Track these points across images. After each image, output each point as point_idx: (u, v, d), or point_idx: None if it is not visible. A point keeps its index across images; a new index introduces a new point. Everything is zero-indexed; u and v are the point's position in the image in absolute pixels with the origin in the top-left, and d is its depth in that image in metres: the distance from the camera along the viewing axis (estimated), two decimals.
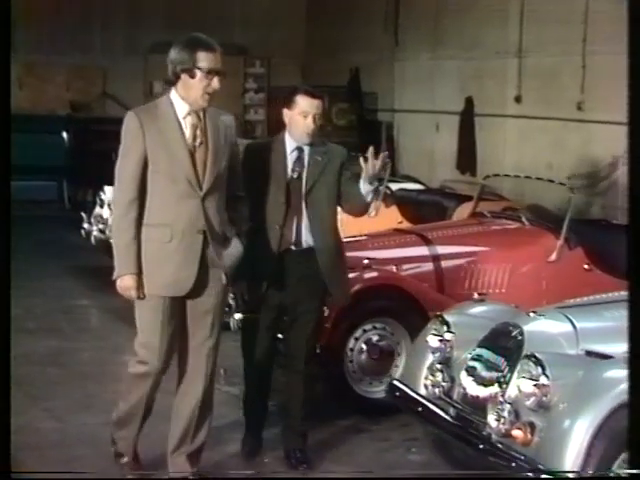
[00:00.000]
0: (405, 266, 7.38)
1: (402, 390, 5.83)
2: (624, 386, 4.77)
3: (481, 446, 5.11)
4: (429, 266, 7.51)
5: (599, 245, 8.06)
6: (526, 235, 8.11)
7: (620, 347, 5.06)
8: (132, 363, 5.46)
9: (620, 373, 4.90)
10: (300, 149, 5.84)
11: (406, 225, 9.17)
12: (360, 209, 5.87)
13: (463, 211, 9.35)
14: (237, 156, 5.55)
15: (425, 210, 9.97)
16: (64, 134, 15.32)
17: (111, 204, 9.48)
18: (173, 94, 5.17)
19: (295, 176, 5.82)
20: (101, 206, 10.88)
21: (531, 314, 5.55)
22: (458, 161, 14.34)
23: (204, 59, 5.07)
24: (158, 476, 5.46)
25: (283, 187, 5.80)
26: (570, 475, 4.08)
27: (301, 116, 5.74)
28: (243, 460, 5.98)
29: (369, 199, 5.69)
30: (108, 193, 10.74)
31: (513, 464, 4.91)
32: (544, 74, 13.14)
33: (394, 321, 6.94)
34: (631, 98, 3.65)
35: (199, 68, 5.06)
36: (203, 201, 5.15)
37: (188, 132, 5.17)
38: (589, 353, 5.29)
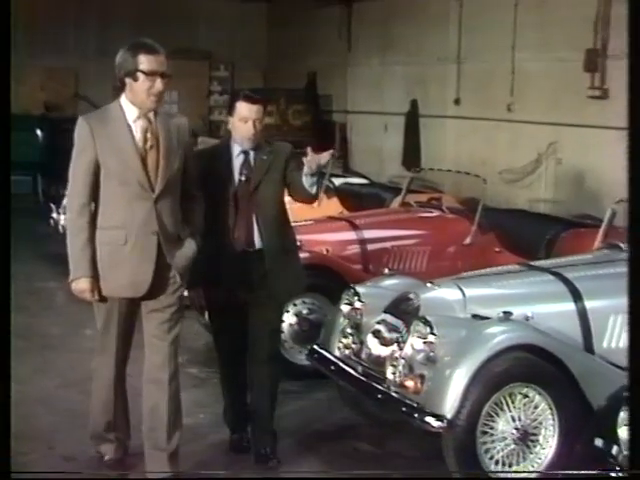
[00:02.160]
0: (334, 248, 7.79)
1: (319, 353, 6.16)
2: (497, 340, 5.37)
3: (379, 396, 5.52)
4: (356, 248, 7.96)
5: (511, 231, 8.55)
6: (445, 222, 8.61)
7: (501, 309, 5.57)
8: (98, 363, 5.44)
9: (493, 330, 5.47)
10: (246, 152, 5.67)
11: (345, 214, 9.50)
12: (307, 200, 5.75)
13: (397, 202, 9.76)
14: (191, 157, 5.39)
15: (365, 201, 10.29)
16: (38, 132, 15.49)
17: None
18: (123, 99, 5.06)
19: (243, 179, 5.67)
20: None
21: (428, 284, 6.08)
22: (404, 158, 14.64)
23: (145, 61, 4.94)
24: (154, 476, 5.15)
25: (232, 191, 5.64)
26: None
27: (242, 122, 5.57)
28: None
29: (313, 191, 5.58)
30: None
31: (404, 408, 5.34)
32: (479, 79, 13.54)
33: (322, 296, 7.26)
34: (631, 98, 3.41)
35: (141, 71, 4.94)
36: (156, 203, 5.03)
37: (138, 136, 5.03)
38: (474, 316, 5.69)
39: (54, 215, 11.31)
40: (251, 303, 5.73)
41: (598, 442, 4.44)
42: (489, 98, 13.30)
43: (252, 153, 5.67)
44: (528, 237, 8.41)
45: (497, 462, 5.37)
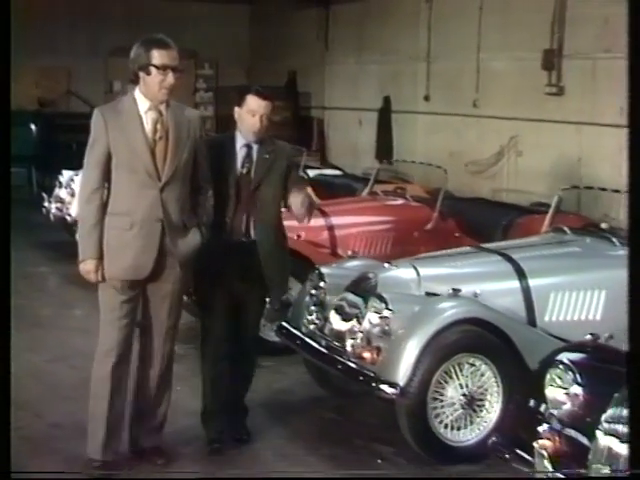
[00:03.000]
0: (304, 234, 7.87)
1: (286, 328, 6.34)
2: (446, 314, 5.60)
3: (340, 366, 5.72)
4: (325, 234, 8.15)
5: (471, 217, 8.80)
6: (408, 209, 8.84)
7: (451, 286, 5.84)
8: (100, 361, 5.23)
9: (443, 305, 5.72)
10: (249, 146, 5.59)
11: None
12: (298, 219, 5.79)
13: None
14: (201, 149, 5.33)
15: (337, 191, 10.36)
16: (33, 127, 15.51)
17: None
18: (136, 92, 5.04)
19: (245, 171, 5.59)
20: (59, 187, 11.27)
21: (386, 265, 6.29)
22: (377, 151, 14.68)
23: (158, 56, 4.92)
24: (157, 476, 5.11)
25: (234, 182, 5.57)
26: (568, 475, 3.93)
27: (249, 114, 5.50)
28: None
29: (305, 221, 5.79)
30: (66, 176, 11.22)
31: (361, 377, 5.55)
32: (447, 77, 13.62)
33: (293, 279, 7.13)
34: (631, 99, 3.30)
35: (153, 65, 4.92)
36: (161, 192, 5.00)
37: (149, 126, 5.01)
38: (428, 293, 5.92)
39: (46, 204, 11.44)
40: (243, 292, 5.68)
41: (531, 402, 4.63)
42: (456, 95, 13.39)
43: (255, 148, 5.60)
44: (486, 223, 8.61)
45: (446, 426, 5.58)
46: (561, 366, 4.44)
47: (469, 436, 5.59)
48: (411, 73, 14.37)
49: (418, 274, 6.08)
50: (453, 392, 5.58)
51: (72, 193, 10.80)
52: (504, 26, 12.40)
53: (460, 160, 12.91)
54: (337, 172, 12.39)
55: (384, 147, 14.71)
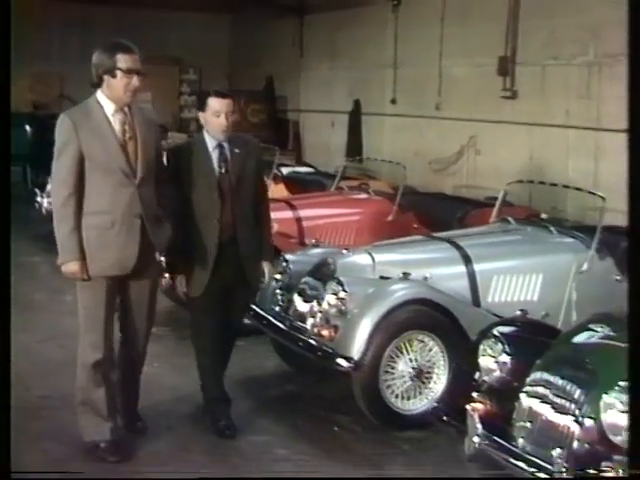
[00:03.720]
0: (276, 225, 7.91)
1: (255, 310, 6.43)
2: (397, 295, 5.78)
3: (301, 344, 5.90)
4: (294, 225, 8.30)
5: (430, 210, 8.99)
6: (371, 202, 8.99)
7: (402, 270, 6.04)
8: (85, 352, 5.17)
9: (394, 287, 5.88)
10: (221, 146, 5.50)
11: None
12: None
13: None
14: (160, 145, 5.27)
15: (309, 187, 10.52)
16: (27, 128, 15.47)
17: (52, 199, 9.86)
18: (99, 95, 4.95)
19: (223, 171, 5.48)
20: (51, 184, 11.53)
21: (344, 252, 6.50)
22: (348, 150, 14.72)
23: (123, 60, 4.85)
24: (157, 476, 4.90)
25: (215, 183, 5.45)
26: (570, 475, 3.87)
27: (214, 116, 5.41)
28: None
29: None
30: None
31: (320, 353, 5.73)
32: (412, 82, 13.67)
33: None
34: (631, 98, 3.20)
35: (119, 69, 4.84)
36: (138, 189, 4.94)
37: (118, 127, 4.91)
38: (382, 277, 6.10)
39: (38, 199, 11.59)
40: (231, 287, 5.62)
41: (467, 370, 4.85)
42: (420, 98, 13.46)
43: (226, 146, 5.52)
44: (443, 215, 8.79)
45: (397, 396, 5.76)
46: (492, 338, 4.68)
47: (418, 405, 5.75)
48: (379, 78, 14.44)
49: (373, 260, 6.26)
50: (403, 366, 5.76)
51: None
52: (463, 35, 12.51)
53: (424, 159, 13.02)
54: (309, 169, 12.51)
55: (354, 147, 14.77)
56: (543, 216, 7.28)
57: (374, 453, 5.49)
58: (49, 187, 11.54)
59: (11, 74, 3.80)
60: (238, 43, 19.13)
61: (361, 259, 6.31)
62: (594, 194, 6.96)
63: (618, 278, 6.42)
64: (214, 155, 5.50)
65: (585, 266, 6.39)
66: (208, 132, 5.52)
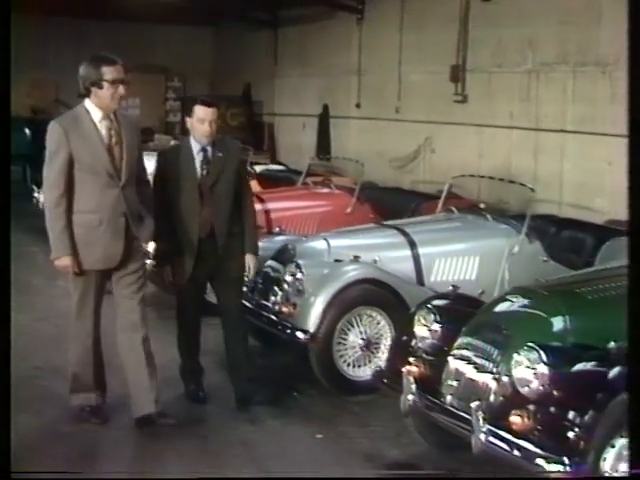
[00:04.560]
0: None
1: None
2: (348, 275, 5.98)
3: (264, 319, 6.09)
4: (262, 216, 8.22)
5: (386, 202, 9.11)
6: (332, 196, 9.13)
7: (353, 254, 6.25)
8: (76, 329, 5.22)
9: (346, 268, 6.08)
10: (204, 150, 5.50)
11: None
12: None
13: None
14: (141, 148, 5.28)
15: (280, 183, 10.54)
16: (27, 131, 15.52)
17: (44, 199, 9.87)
18: (87, 103, 4.95)
19: (205, 173, 5.49)
20: None
21: (303, 238, 6.73)
22: (317, 150, 14.76)
23: (108, 72, 4.87)
24: (158, 476, 4.74)
25: (196, 185, 5.46)
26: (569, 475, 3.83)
27: (199, 122, 5.43)
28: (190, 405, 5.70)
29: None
30: None
31: (280, 327, 5.96)
32: (375, 87, 13.72)
33: None
34: (631, 99, 3.14)
35: (105, 80, 4.86)
36: (123, 189, 4.95)
37: (104, 133, 4.92)
38: (336, 260, 6.32)
39: (35, 194, 11.72)
40: (216, 279, 5.66)
41: (404, 338, 5.07)
42: (382, 102, 13.52)
43: (209, 150, 5.51)
44: (398, 207, 8.91)
45: (348, 364, 5.97)
46: (425, 309, 4.92)
47: (367, 372, 5.91)
48: (345, 84, 14.48)
49: (329, 245, 6.47)
50: (354, 337, 5.98)
51: None
52: (420, 45, 12.63)
53: (385, 157, 13.10)
54: (281, 167, 12.64)
55: (323, 146, 14.83)
56: (481, 206, 7.53)
57: (328, 414, 5.70)
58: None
59: (11, 81, 3.83)
60: (219, 53, 19.16)
61: (318, 244, 6.52)
62: (524, 186, 7.17)
63: (545, 259, 6.69)
64: (198, 158, 5.50)
65: (516, 249, 6.64)
66: (194, 137, 5.54)
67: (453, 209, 7.36)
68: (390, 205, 9.10)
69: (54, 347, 6.64)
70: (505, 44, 11.05)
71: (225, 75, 18.56)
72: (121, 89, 4.93)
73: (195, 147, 5.52)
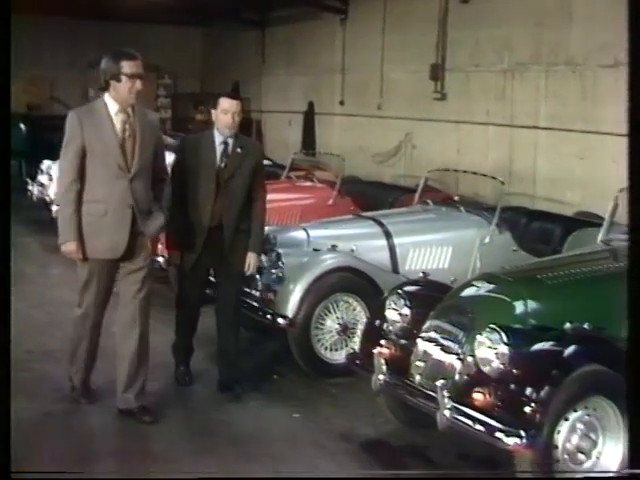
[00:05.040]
0: None
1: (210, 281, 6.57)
2: (325, 263, 6.09)
3: (246, 306, 6.14)
4: None
5: (367, 195, 9.17)
6: (314, 189, 9.22)
7: (331, 243, 6.37)
8: (76, 310, 5.20)
9: (323, 257, 6.18)
10: (226, 142, 5.47)
11: None
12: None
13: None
14: (162, 146, 5.22)
15: (266, 177, 10.73)
16: (22, 126, 15.51)
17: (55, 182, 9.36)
18: (106, 97, 4.92)
19: (223, 165, 5.47)
20: (41, 174, 11.54)
21: (284, 229, 6.82)
22: (303, 146, 14.76)
23: (127, 66, 4.85)
24: (157, 476, 4.57)
25: (214, 174, 5.45)
26: (569, 475, 3.96)
27: (223, 113, 5.43)
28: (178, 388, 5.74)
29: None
30: (45, 165, 11.53)
31: (260, 313, 6.05)
32: (358, 85, 13.80)
33: None
34: (631, 102, 3.06)
35: (124, 74, 4.83)
36: (131, 182, 4.90)
37: (118, 126, 4.88)
38: (315, 250, 6.41)
39: (29, 187, 11.76)
40: (219, 270, 5.68)
41: (377, 322, 5.18)
42: (365, 100, 13.59)
43: (230, 143, 5.50)
44: (377, 200, 9.00)
45: (326, 348, 6.08)
46: (396, 295, 5.03)
47: (344, 356, 5.89)
48: (329, 82, 14.54)
49: (308, 235, 6.58)
50: (331, 322, 6.09)
51: (50, 178, 11.16)
52: (401, 45, 12.72)
53: (368, 152, 13.17)
54: (267, 162, 12.67)
55: (309, 142, 14.86)
56: (455, 198, 7.65)
57: (306, 395, 5.80)
58: (39, 177, 11.80)
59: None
60: (209, 52, 19.18)
61: (298, 234, 6.62)
62: (495, 179, 7.30)
63: (514, 249, 6.81)
64: (219, 150, 5.49)
65: (487, 239, 6.77)
66: (217, 128, 5.51)
67: (428, 201, 7.48)
68: (371, 198, 9.16)
69: (47, 332, 6.79)
70: (482, 45, 11.17)
71: (215, 73, 18.54)
72: (138, 83, 4.91)
73: (217, 138, 5.50)
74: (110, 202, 4.91)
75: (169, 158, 5.49)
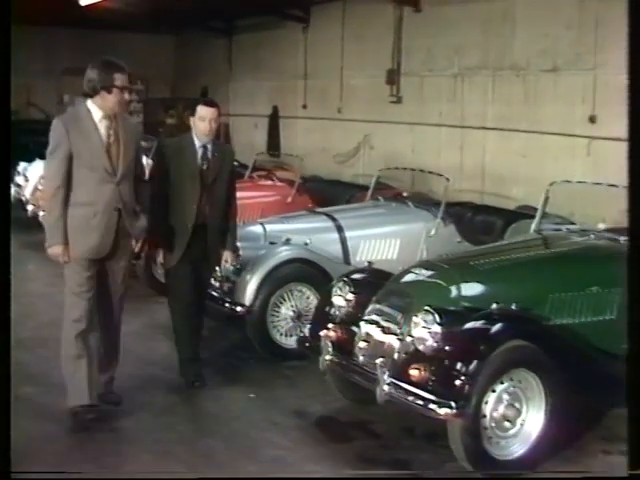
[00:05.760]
0: None
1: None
2: (280, 255, 6.23)
3: (209, 296, 6.14)
4: None
5: (324, 193, 9.39)
6: (274, 187, 9.37)
7: (286, 236, 6.51)
8: (66, 318, 5.01)
9: (278, 249, 6.32)
10: (205, 147, 5.49)
11: None
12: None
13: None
14: (141, 151, 5.23)
15: None
16: None
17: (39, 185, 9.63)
18: (90, 103, 4.86)
19: (205, 167, 5.49)
20: (17, 175, 11.59)
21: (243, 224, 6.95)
22: (268, 147, 14.84)
23: (119, 79, 4.84)
24: (157, 476, 4.45)
25: (197, 175, 5.45)
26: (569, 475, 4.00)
27: (200, 120, 5.43)
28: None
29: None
30: (22, 166, 11.62)
31: (220, 302, 6.19)
32: (319, 90, 13.88)
33: None
34: (631, 102, 2.91)
35: (116, 86, 4.81)
36: (118, 185, 4.90)
37: (103, 132, 4.86)
38: (271, 243, 6.58)
39: None
40: (199, 264, 5.63)
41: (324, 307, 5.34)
42: (326, 104, 13.68)
43: (209, 147, 5.52)
44: (335, 197, 9.18)
45: (281, 334, 6.23)
46: (342, 282, 5.20)
47: None
48: (293, 88, 14.61)
49: (265, 230, 6.73)
50: (286, 310, 6.24)
51: (26, 179, 11.24)
52: (359, 52, 12.86)
53: (329, 153, 13.30)
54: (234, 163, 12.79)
55: (274, 144, 14.92)
56: (404, 194, 7.84)
57: (262, 377, 5.95)
58: (16, 178, 11.82)
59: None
60: (179, 59, 19.16)
61: (255, 229, 6.77)
62: (441, 176, 7.49)
63: (459, 240, 7.02)
64: (199, 153, 5.50)
65: (433, 232, 6.96)
66: (196, 134, 5.53)
67: (379, 198, 7.66)
68: (329, 195, 9.33)
69: (20, 322, 6.78)
70: (434, 51, 11.37)
71: (184, 79, 18.54)
72: (126, 95, 4.94)
73: (197, 143, 5.51)
74: (99, 205, 4.88)
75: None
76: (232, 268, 6.18)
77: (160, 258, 5.61)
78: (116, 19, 15.88)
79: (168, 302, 5.77)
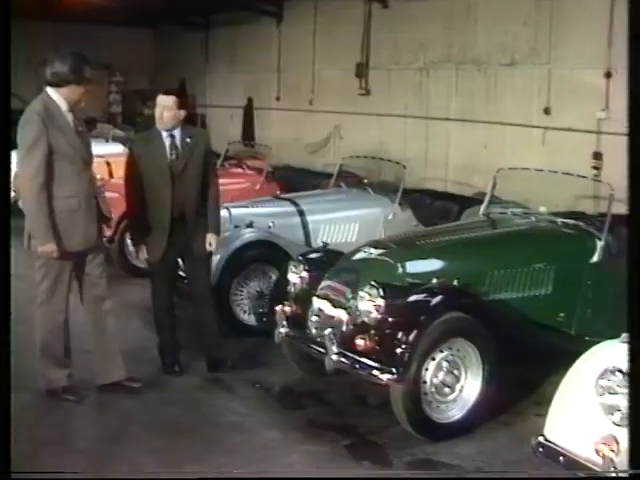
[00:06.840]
0: None
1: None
2: (243, 237, 6.40)
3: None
4: None
5: (293, 181, 9.50)
6: (244, 175, 9.59)
7: (250, 220, 6.69)
8: (39, 309, 4.99)
9: (242, 232, 6.48)
10: (172, 135, 5.33)
11: None
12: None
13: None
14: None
15: None
16: None
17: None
18: (54, 95, 4.78)
19: (174, 157, 5.33)
20: None
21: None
22: (243, 137, 14.84)
23: (88, 72, 4.84)
24: (157, 476, 4.33)
25: (167, 168, 5.31)
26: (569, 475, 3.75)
27: (157, 108, 5.33)
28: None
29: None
30: None
31: (185, 281, 5.96)
32: (292, 83, 14.05)
33: None
34: (631, 100, 2.97)
35: (87, 79, 4.82)
36: (91, 172, 4.95)
37: (71, 123, 4.83)
38: (236, 226, 6.72)
39: None
40: (187, 258, 5.58)
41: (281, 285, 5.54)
42: (298, 96, 13.84)
43: (177, 135, 5.37)
44: (302, 184, 9.33)
45: (245, 312, 6.43)
46: (297, 260, 5.41)
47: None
48: (267, 80, 14.75)
49: (230, 214, 6.89)
50: (249, 290, 6.42)
51: None
52: (330, 46, 13.05)
53: (301, 143, 13.47)
54: None
55: (248, 134, 15.03)
56: (365, 181, 8.06)
57: (228, 351, 6.01)
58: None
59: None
60: (158, 52, 19.20)
61: (221, 213, 6.91)
62: (398, 164, 7.72)
63: (415, 224, 7.25)
64: (167, 143, 5.35)
65: (390, 216, 7.20)
66: (157, 123, 5.40)
67: (342, 184, 7.87)
68: (298, 183, 9.46)
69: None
70: (401, 45, 11.60)
71: (163, 71, 18.56)
72: (92, 87, 4.95)
73: (163, 133, 5.36)
74: (81, 195, 4.86)
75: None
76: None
77: (144, 254, 5.51)
78: (96, 12, 15.94)
79: (151, 297, 5.67)
